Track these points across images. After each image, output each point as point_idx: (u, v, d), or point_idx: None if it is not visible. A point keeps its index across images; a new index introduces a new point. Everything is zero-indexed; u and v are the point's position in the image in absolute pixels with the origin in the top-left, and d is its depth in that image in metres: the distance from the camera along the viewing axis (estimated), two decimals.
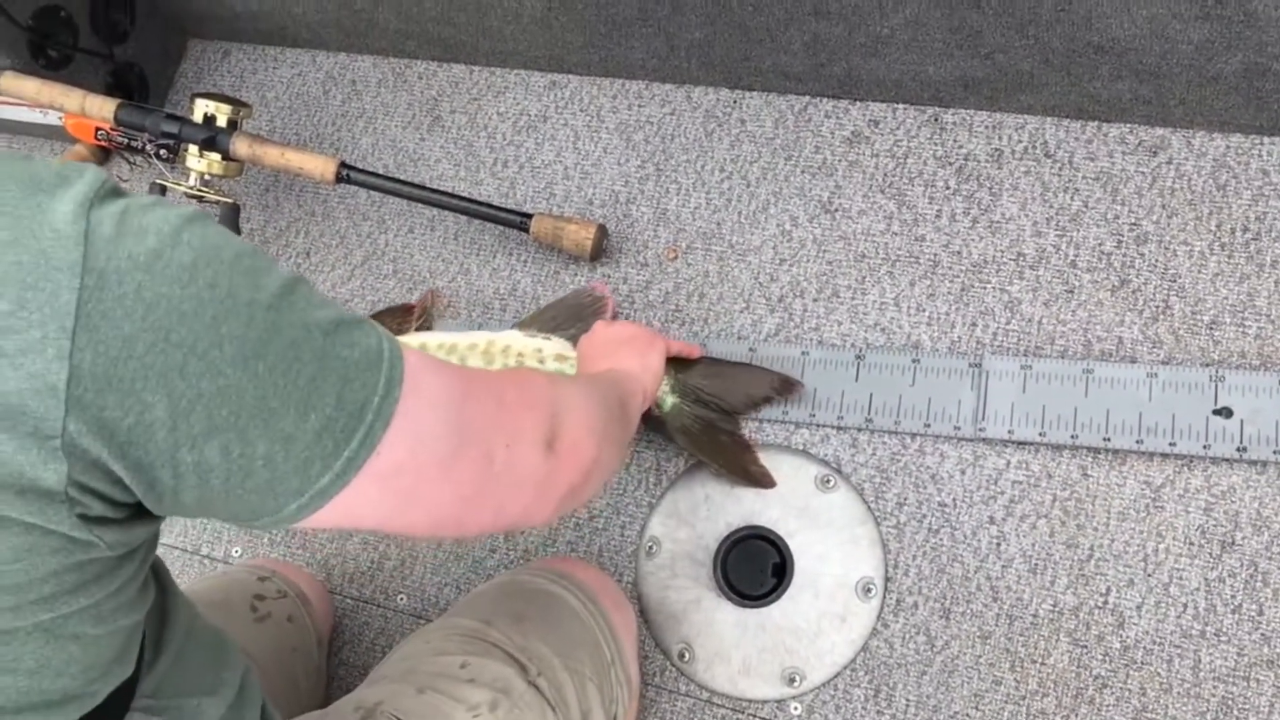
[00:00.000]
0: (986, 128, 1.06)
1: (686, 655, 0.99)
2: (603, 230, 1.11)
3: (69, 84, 1.16)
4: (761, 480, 0.99)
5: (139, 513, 0.49)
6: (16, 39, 1.17)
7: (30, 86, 1.15)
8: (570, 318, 1.07)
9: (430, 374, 0.55)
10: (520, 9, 1.13)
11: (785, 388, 1.01)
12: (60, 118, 1.22)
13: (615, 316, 1.09)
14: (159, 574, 0.67)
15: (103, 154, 1.34)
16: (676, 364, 1.00)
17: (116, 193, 0.46)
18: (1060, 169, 1.03)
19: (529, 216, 1.11)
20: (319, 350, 0.49)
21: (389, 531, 0.58)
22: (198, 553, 1.14)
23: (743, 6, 1.02)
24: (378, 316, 1.13)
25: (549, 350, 1.04)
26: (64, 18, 1.22)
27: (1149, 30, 0.90)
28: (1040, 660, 0.92)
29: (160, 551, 1.14)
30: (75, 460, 0.43)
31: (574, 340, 1.03)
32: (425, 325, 1.13)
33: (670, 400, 1.00)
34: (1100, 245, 1.00)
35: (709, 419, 1.01)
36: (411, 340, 1.08)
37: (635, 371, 0.90)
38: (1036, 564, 0.94)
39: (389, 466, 0.51)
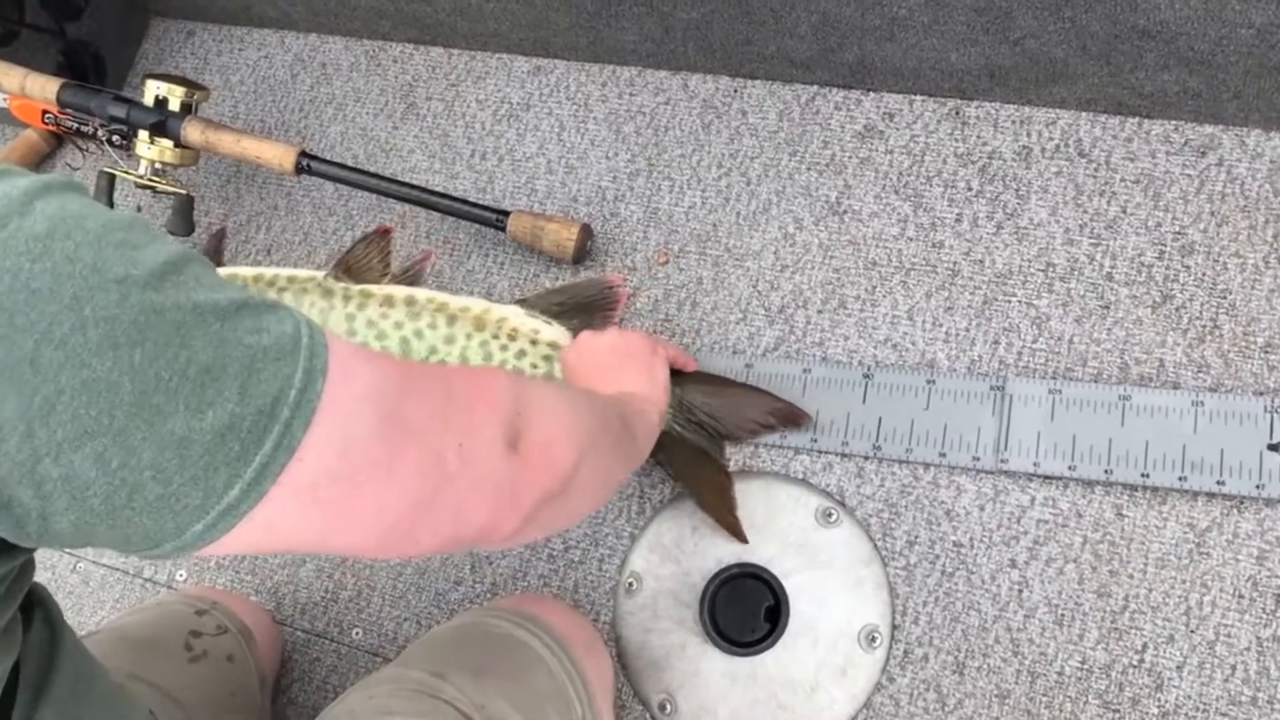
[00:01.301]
0: (1014, 123, 0.96)
1: (668, 707, 0.89)
2: (587, 230, 1.01)
3: (11, 62, 1.07)
4: (733, 529, 0.89)
5: None
6: None
7: None
8: (577, 307, 0.98)
9: (362, 364, 0.46)
10: None
11: (789, 418, 0.91)
12: (4, 99, 1.13)
13: (620, 322, 0.99)
14: (49, 615, 0.58)
15: (54, 139, 1.25)
16: (673, 375, 0.90)
17: None
18: (1096, 170, 0.93)
19: (506, 214, 1.01)
20: (215, 336, 0.40)
21: (327, 553, 0.49)
22: (139, 575, 1.05)
23: None
24: (353, 250, 1.02)
25: (545, 336, 0.95)
26: None
27: (1203, 12, 0.79)
28: None
29: (98, 573, 1.06)
30: None
31: (575, 332, 0.95)
32: (412, 282, 1.03)
33: None
34: (1140, 256, 0.90)
35: (700, 444, 0.91)
36: (397, 292, 0.99)
37: (644, 391, 0.81)
38: (1063, 615, 0.83)
39: (316, 473, 0.43)
